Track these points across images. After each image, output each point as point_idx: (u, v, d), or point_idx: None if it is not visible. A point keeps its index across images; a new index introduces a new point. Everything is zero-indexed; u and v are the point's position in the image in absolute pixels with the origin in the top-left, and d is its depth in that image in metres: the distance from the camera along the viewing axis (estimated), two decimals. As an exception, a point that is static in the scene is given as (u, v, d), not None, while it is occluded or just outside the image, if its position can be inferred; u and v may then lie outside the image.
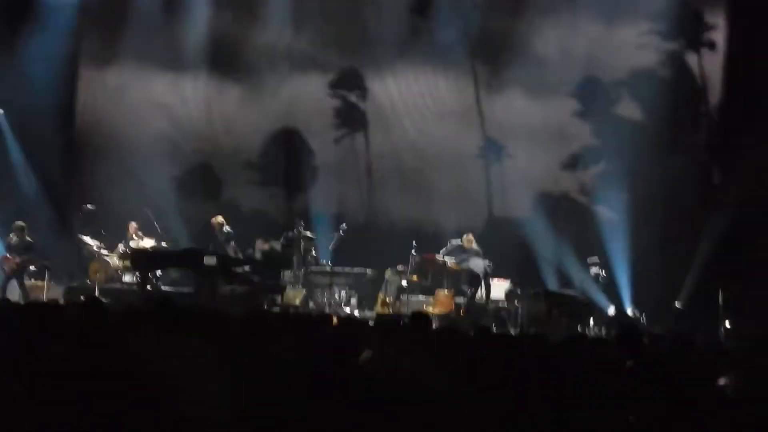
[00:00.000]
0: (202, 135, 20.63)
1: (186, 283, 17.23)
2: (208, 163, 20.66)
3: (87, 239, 18.29)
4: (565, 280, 17.10)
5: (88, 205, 19.01)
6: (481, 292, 16.37)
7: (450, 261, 16.51)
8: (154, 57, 20.63)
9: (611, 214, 17.75)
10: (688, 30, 18.29)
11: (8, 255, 16.87)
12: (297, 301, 16.48)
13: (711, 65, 18.30)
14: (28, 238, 16.95)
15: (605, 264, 16.75)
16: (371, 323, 9.71)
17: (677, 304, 16.12)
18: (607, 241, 17.25)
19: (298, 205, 19.65)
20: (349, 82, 20.22)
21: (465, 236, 16.80)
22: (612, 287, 16.58)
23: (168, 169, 20.31)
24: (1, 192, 18.80)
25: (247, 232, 18.13)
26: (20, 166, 19.68)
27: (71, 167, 20.99)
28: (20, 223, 17.09)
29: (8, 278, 16.72)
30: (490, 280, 16.46)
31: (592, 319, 15.74)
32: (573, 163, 18.75)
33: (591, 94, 18.60)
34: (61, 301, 13.78)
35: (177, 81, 20.80)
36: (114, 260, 17.98)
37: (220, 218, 17.62)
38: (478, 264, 16.16)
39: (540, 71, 18.65)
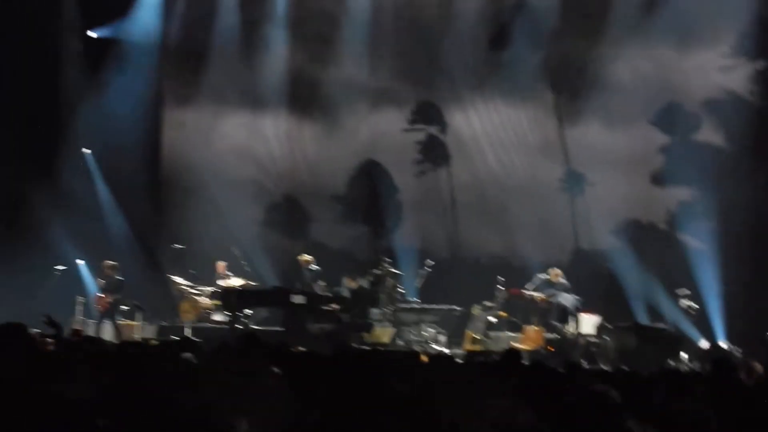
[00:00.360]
0: (285, 173, 20.87)
1: (275, 321, 17.35)
2: (294, 201, 20.88)
3: (176, 279, 18.59)
4: (654, 313, 16.77)
5: (177, 245, 19.35)
6: (570, 327, 16.16)
7: (539, 295, 16.34)
8: (235, 95, 21.01)
9: (699, 244, 17.41)
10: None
11: (101, 294, 17.22)
12: (385, 339, 16.47)
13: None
14: (119, 277, 17.30)
15: (695, 295, 16.39)
16: (459, 360, 9.68)
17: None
18: (697, 271, 16.89)
19: (383, 241, 19.72)
20: (429, 115, 20.28)
21: (551, 270, 16.66)
22: (704, 319, 16.21)
23: (254, 208, 20.59)
24: (90, 232, 19.20)
25: (334, 270, 18.24)
26: (108, 206, 20.13)
27: (158, 207, 21.38)
28: (111, 262, 17.46)
29: (102, 317, 17.07)
30: (580, 315, 16.24)
31: (684, 352, 15.39)
32: (657, 192, 18.45)
33: (672, 121, 18.34)
34: (155, 341, 14.05)
35: (258, 119, 21.14)
36: (204, 299, 18.23)
37: (307, 256, 17.83)
38: (567, 299, 16.01)
39: (619, 99, 18.49)
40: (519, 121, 19.60)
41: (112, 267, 17.36)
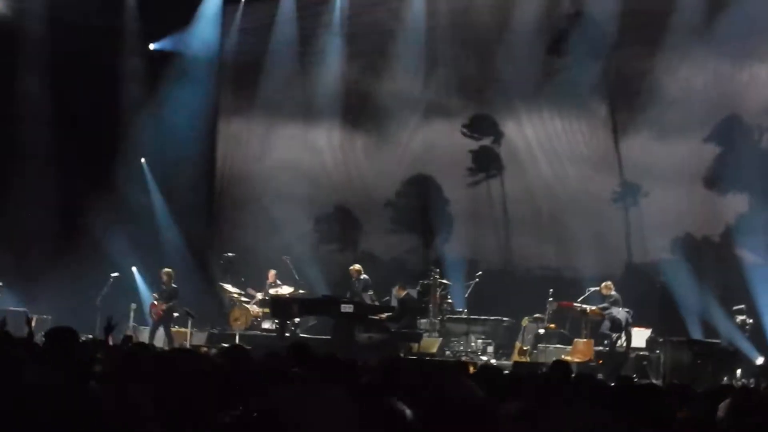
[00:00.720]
0: (337, 184, 20.97)
1: (323, 330, 17.40)
2: (346, 212, 20.96)
3: (228, 287, 18.76)
4: (709, 329, 16.46)
5: (229, 254, 19.54)
6: (622, 341, 15.96)
7: (592, 308, 16.14)
8: (289, 107, 21.20)
9: (756, 258, 17.05)
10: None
11: (155, 302, 17.44)
12: (433, 350, 16.43)
13: None
14: (174, 285, 17.49)
15: (752, 311, 16.04)
16: (507, 371, 9.61)
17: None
18: (753, 286, 16.51)
19: (433, 252, 19.69)
20: (482, 127, 20.22)
21: (604, 284, 16.48)
22: (760, 335, 15.86)
23: (306, 218, 20.72)
24: (146, 241, 19.46)
25: (384, 279, 18.26)
26: (163, 216, 20.40)
27: (212, 217, 21.64)
28: (168, 269, 17.67)
29: (156, 325, 17.28)
30: (631, 329, 16.03)
31: (739, 369, 15.10)
32: (713, 205, 18.14)
33: (729, 133, 17.99)
34: (205, 348, 14.18)
35: (311, 131, 21.32)
36: (254, 307, 18.36)
37: (357, 266, 17.88)
38: (619, 312, 15.77)
39: (675, 111, 18.22)
40: (574, 132, 19.43)
41: (168, 274, 17.57)
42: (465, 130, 20.24)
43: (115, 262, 18.47)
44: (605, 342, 16.02)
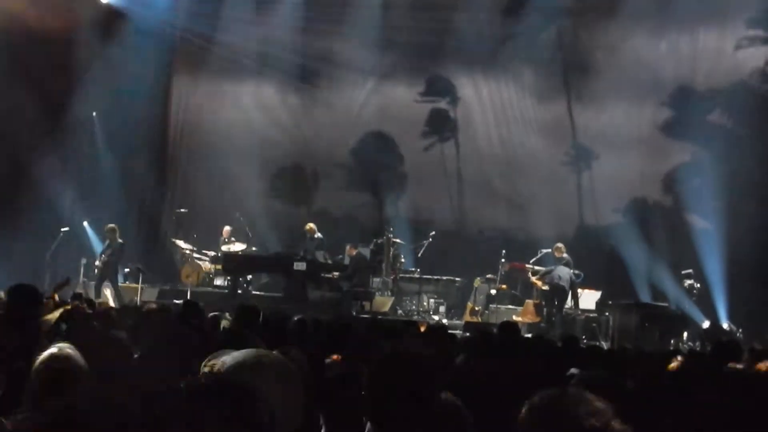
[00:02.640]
0: (292, 141, 20.87)
1: (276, 287, 17.36)
2: (300, 169, 20.87)
3: (180, 243, 18.61)
4: (657, 292, 16.68)
5: (181, 210, 19.34)
6: (568, 302, 16.07)
7: (535, 278, 16.21)
8: (244, 64, 20.94)
9: (705, 224, 17.25)
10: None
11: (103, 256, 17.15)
12: (385, 308, 16.48)
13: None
14: (120, 240, 17.18)
15: (699, 276, 16.26)
16: (459, 331, 9.68)
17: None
18: (702, 251, 16.73)
19: (386, 211, 19.68)
20: (439, 88, 20.19)
21: (555, 246, 16.58)
22: (707, 300, 16.09)
23: (261, 175, 20.58)
24: (96, 196, 19.18)
25: (337, 237, 18.24)
26: (114, 171, 20.06)
27: (164, 173, 21.41)
28: (112, 225, 17.33)
29: (100, 280, 16.93)
30: (578, 290, 16.16)
31: (685, 332, 15.33)
32: (664, 171, 18.32)
33: (683, 101, 18.16)
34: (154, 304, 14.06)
35: (266, 88, 21.12)
36: (206, 264, 18.25)
37: (311, 225, 17.79)
38: (564, 273, 15.84)
39: (630, 77, 18.32)
40: (528, 96, 19.49)
41: (112, 230, 17.23)
42: (422, 92, 20.21)
43: (66, 217, 18.20)
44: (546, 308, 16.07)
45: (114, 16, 20.52)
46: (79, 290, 14.84)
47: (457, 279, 17.72)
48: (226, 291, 17.02)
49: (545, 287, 15.89)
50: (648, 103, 18.44)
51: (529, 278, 16.31)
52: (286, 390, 2.84)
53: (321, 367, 5.62)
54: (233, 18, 20.78)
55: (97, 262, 17.09)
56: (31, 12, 18.53)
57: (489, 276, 16.76)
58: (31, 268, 16.10)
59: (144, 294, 16.85)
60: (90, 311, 8.72)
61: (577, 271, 16.06)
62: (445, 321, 15.53)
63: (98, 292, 16.66)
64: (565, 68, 19.14)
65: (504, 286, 16.68)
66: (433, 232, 17.93)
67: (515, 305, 16.74)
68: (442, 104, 20.21)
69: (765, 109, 17.46)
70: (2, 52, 18.13)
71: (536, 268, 16.44)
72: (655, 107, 18.41)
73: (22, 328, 6.12)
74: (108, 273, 16.78)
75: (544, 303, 15.94)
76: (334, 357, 5.72)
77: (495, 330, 9.55)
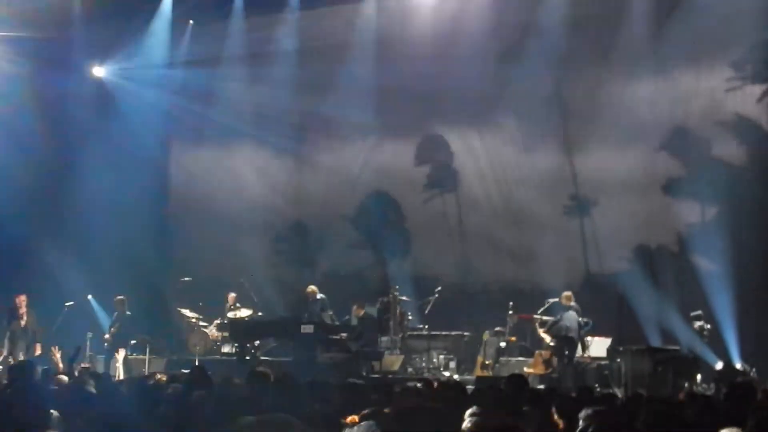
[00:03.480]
0: (295, 204, 20.94)
1: (284, 352, 17.25)
2: (303, 230, 20.89)
3: (185, 312, 18.56)
4: (668, 336, 16.55)
5: (185, 278, 19.34)
6: (577, 352, 15.95)
7: (543, 331, 16.12)
8: (242, 129, 21.07)
9: (711, 265, 17.16)
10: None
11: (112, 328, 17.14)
12: (395, 367, 16.35)
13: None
14: (128, 312, 17.21)
15: (709, 317, 16.14)
16: (471, 386, 9.59)
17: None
18: (710, 293, 16.63)
19: (391, 269, 19.62)
20: (436, 145, 20.23)
21: (564, 294, 16.53)
22: (718, 341, 15.97)
23: (262, 238, 20.60)
24: (99, 268, 19.16)
25: (342, 298, 18.17)
26: (117, 241, 20.03)
27: (167, 241, 21.43)
28: (121, 297, 17.37)
29: (109, 353, 16.92)
30: (587, 338, 16.06)
31: (699, 375, 15.17)
32: (667, 214, 18.25)
33: (681, 143, 18.16)
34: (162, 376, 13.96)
35: (265, 151, 21.23)
36: (212, 331, 18.16)
37: (312, 287, 17.78)
38: (571, 320, 15.75)
39: (627, 121, 18.35)
40: (526, 144, 19.50)
41: (121, 302, 17.29)
42: (418, 152, 20.28)
43: (70, 291, 18.16)
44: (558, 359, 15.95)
45: (107, 90, 20.74)
46: (86, 364, 14.78)
47: (465, 333, 17.61)
48: (235, 358, 16.92)
49: (553, 342, 15.80)
50: (646, 146, 18.42)
51: (538, 331, 16.21)
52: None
53: (338, 428, 5.58)
54: (227, 84, 20.98)
55: (106, 335, 17.08)
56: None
57: (498, 329, 16.66)
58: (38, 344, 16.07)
59: (152, 365, 16.77)
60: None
61: (585, 319, 15.97)
62: (456, 376, 15.41)
63: (109, 364, 16.60)
64: (560, 117, 19.18)
65: (513, 338, 16.57)
66: (439, 288, 17.88)
67: (525, 357, 16.60)
68: (440, 159, 20.24)
69: (764, 146, 17.47)
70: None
71: (544, 318, 16.35)
72: (653, 151, 18.38)
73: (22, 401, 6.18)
74: (118, 344, 16.79)
75: (554, 353, 15.81)
76: (351, 418, 5.68)
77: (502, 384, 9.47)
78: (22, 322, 16.39)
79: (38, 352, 15.76)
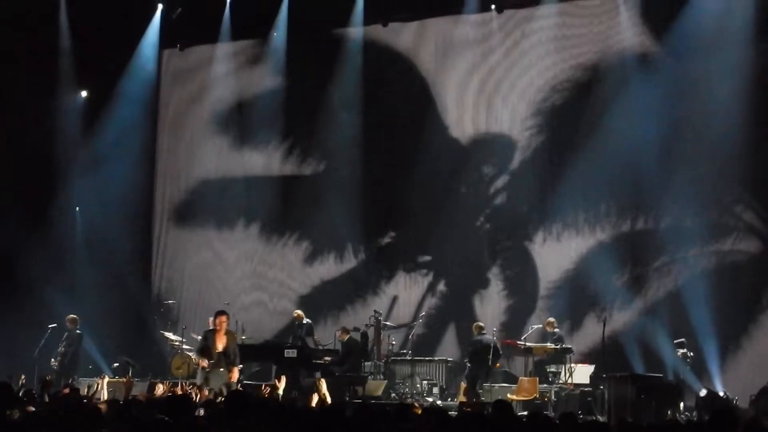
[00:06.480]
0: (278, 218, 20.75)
1: (267, 376, 17.19)
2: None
3: (169, 335, 18.49)
4: (651, 363, 16.56)
5: (169, 301, 19.27)
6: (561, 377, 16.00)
7: (549, 345, 16.19)
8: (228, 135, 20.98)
9: (694, 291, 17.09)
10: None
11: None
12: (378, 392, 16.33)
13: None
14: (78, 331, 16.95)
15: (693, 344, 16.15)
16: (454, 412, 9.57)
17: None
18: (693, 319, 16.62)
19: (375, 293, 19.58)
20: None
21: (547, 320, 16.55)
22: (702, 368, 16.00)
23: (245, 261, 20.57)
24: (82, 290, 19.10)
25: (326, 323, 18.18)
26: (98, 265, 19.95)
27: (150, 264, 21.38)
28: (72, 316, 17.14)
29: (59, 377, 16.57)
30: (571, 364, 16.11)
31: (682, 402, 15.17)
32: (643, 240, 18.06)
33: (659, 170, 17.73)
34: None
35: (250, 155, 21.12)
36: (195, 355, 18.05)
37: (299, 311, 17.78)
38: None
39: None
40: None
41: (73, 320, 17.06)
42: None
43: (55, 313, 18.05)
44: (549, 379, 16.05)
45: (97, 109, 20.76)
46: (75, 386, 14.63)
47: (449, 359, 17.61)
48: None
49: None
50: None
51: (526, 351, 16.22)
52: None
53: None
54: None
55: (53, 361, 16.74)
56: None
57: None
58: (22, 365, 15.94)
59: (135, 388, 16.61)
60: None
61: (569, 346, 16.05)
62: (439, 402, 15.38)
63: (62, 381, 16.15)
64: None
65: (497, 365, 16.55)
66: (423, 313, 17.88)
67: (509, 383, 16.60)
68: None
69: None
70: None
71: (528, 344, 16.39)
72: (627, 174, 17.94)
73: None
74: (69, 366, 16.52)
75: (540, 379, 15.89)
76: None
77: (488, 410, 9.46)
78: None
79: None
